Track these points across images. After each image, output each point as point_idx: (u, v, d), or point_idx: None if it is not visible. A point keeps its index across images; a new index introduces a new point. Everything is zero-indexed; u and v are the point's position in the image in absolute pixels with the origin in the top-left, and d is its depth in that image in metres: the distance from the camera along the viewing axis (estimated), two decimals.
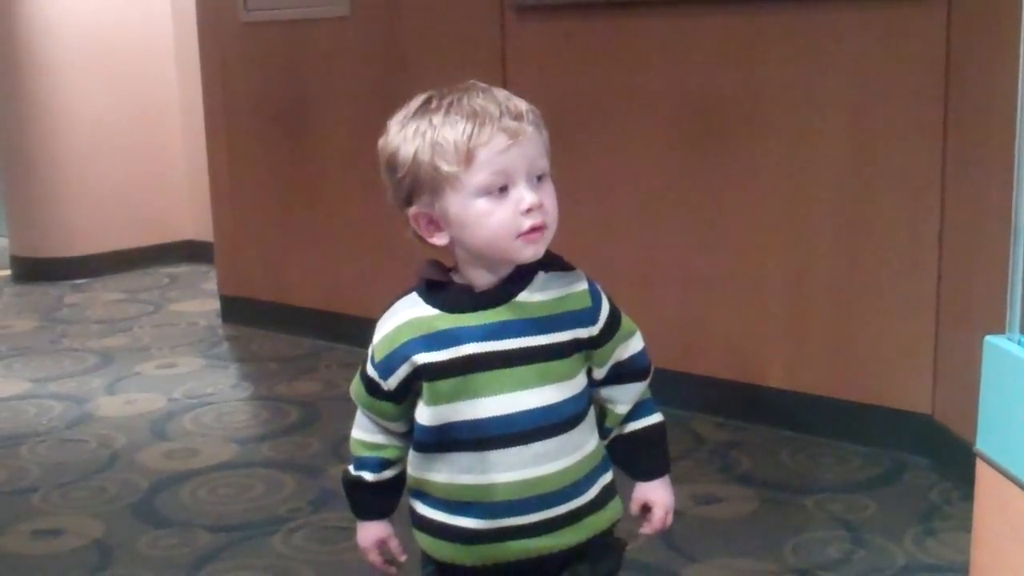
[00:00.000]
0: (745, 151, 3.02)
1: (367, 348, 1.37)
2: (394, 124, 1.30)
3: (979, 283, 2.53)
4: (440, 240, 1.31)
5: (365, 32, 3.77)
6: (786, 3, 2.91)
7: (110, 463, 2.96)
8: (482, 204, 1.25)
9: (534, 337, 1.30)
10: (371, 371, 1.35)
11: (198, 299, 4.90)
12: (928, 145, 2.71)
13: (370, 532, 1.45)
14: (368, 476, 1.40)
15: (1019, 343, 1.38)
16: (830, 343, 2.96)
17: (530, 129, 1.26)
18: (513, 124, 1.25)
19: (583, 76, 3.27)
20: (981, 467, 1.43)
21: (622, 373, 1.40)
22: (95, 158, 5.36)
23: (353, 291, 3.92)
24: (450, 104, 1.26)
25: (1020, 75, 1.40)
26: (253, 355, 4.03)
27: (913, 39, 2.71)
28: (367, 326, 1.40)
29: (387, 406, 1.36)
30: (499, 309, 1.30)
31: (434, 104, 1.27)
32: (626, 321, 1.40)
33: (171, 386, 3.62)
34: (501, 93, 1.28)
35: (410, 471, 1.39)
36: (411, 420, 1.36)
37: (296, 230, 4.12)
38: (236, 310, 4.38)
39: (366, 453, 1.41)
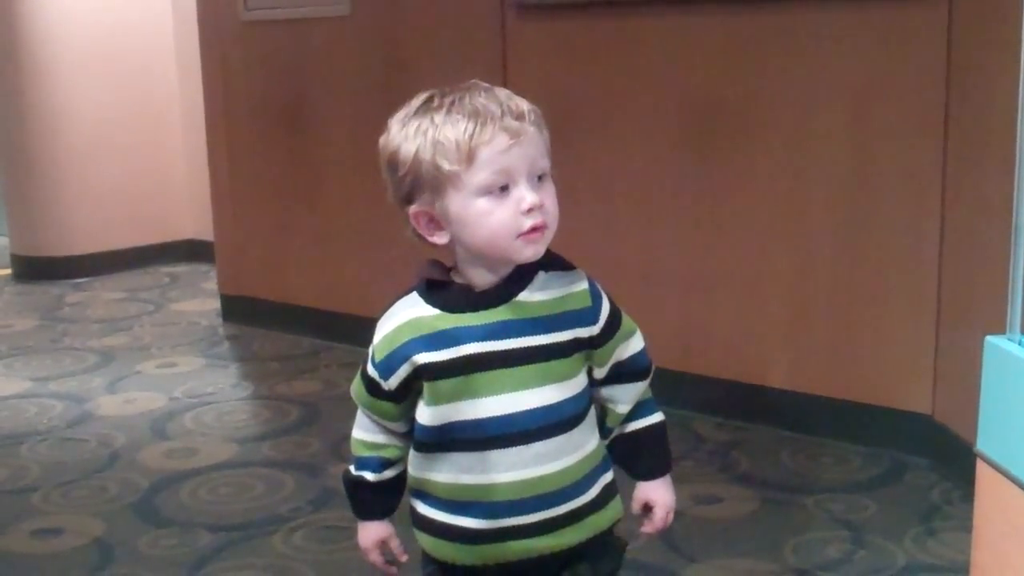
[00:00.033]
0: (745, 151, 3.02)
1: (367, 347, 1.37)
2: (395, 122, 1.30)
3: (980, 283, 2.53)
4: (440, 239, 1.31)
5: (365, 31, 3.77)
6: (786, 3, 2.91)
7: (110, 462, 2.96)
8: (483, 203, 1.25)
9: (534, 337, 1.30)
10: (371, 371, 1.35)
11: (198, 298, 4.90)
12: (929, 145, 2.71)
13: (371, 532, 1.44)
14: (369, 476, 1.40)
15: (1020, 343, 1.38)
16: (830, 343, 2.96)
17: (531, 129, 1.26)
18: (515, 124, 1.25)
19: (583, 76, 3.27)
20: (981, 467, 1.43)
21: (622, 373, 1.40)
22: (96, 157, 5.36)
23: (353, 290, 3.92)
24: (452, 103, 1.26)
25: (1021, 75, 1.40)
26: (253, 354, 4.03)
27: (914, 39, 2.71)
28: (367, 325, 1.40)
29: (388, 406, 1.36)
30: (499, 309, 1.30)
31: (436, 103, 1.27)
32: (626, 320, 1.40)
33: (171, 385, 3.62)
34: (503, 92, 1.28)
35: (411, 471, 1.38)
36: (412, 420, 1.36)
37: (297, 229, 4.12)
38: (236, 309, 4.38)
39: (367, 453, 1.41)
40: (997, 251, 1.95)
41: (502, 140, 1.24)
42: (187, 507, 2.65)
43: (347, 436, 1.43)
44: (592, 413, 1.39)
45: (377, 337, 1.34)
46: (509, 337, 1.29)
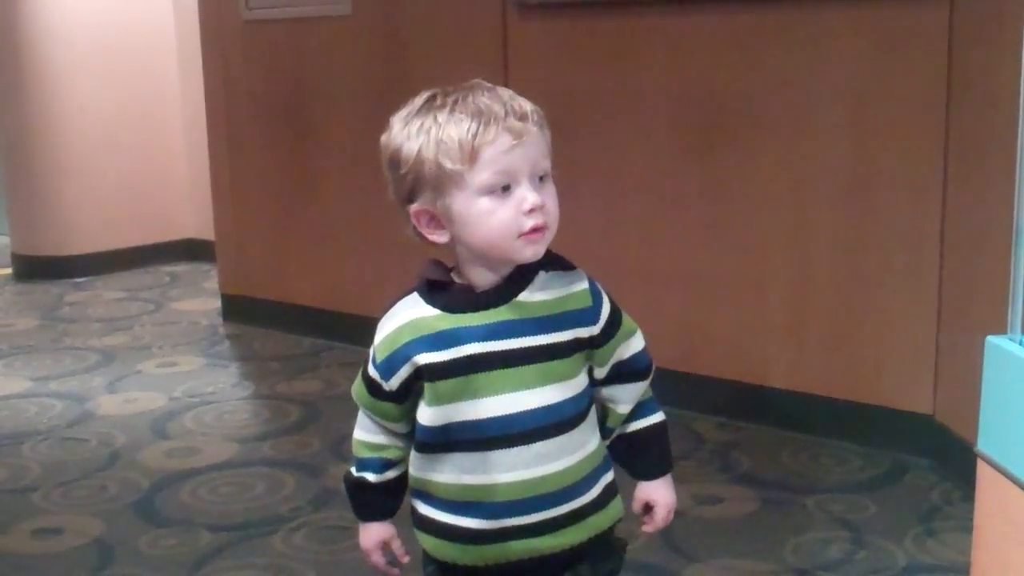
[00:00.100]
0: (746, 151, 3.02)
1: (368, 347, 1.37)
2: (397, 121, 1.29)
3: (980, 283, 2.53)
4: (440, 238, 1.31)
5: (367, 30, 3.77)
6: (786, 3, 2.91)
7: (111, 462, 2.96)
8: (484, 203, 1.25)
9: (535, 337, 1.30)
10: (372, 372, 1.35)
11: (199, 298, 4.90)
12: (929, 145, 2.71)
13: (373, 533, 1.44)
14: (371, 477, 1.40)
15: (1020, 343, 1.38)
16: (831, 343, 2.96)
17: (534, 129, 1.26)
18: (518, 124, 1.25)
19: (585, 75, 3.27)
20: (982, 467, 1.43)
21: (623, 372, 1.40)
22: (97, 156, 5.36)
23: (354, 290, 3.92)
24: (455, 102, 1.26)
25: (1022, 75, 1.40)
26: (254, 354, 4.03)
27: (914, 39, 2.71)
28: (368, 325, 1.40)
29: (389, 407, 1.36)
30: (500, 309, 1.30)
31: (439, 102, 1.27)
32: (627, 320, 1.40)
33: (172, 385, 3.62)
34: (506, 93, 1.28)
35: (412, 472, 1.38)
36: (413, 421, 1.36)
37: (297, 229, 4.12)
38: (237, 309, 4.38)
39: (368, 454, 1.40)
40: (997, 251, 1.95)
41: (505, 140, 1.24)
42: (187, 507, 2.65)
43: (347, 436, 1.43)
44: (593, 413, 1.39)
45: (378, 338, 1.34)
46: (510, 337, 1.29)
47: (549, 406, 1.31)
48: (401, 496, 1.43)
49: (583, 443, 1.35)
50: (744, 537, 2.42)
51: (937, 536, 2.40)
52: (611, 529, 1.40)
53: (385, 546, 1.44)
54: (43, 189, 5.34)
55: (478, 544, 1.33)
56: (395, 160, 1.29)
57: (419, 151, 1.26)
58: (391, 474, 1.40)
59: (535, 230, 1.26)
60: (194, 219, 5.56)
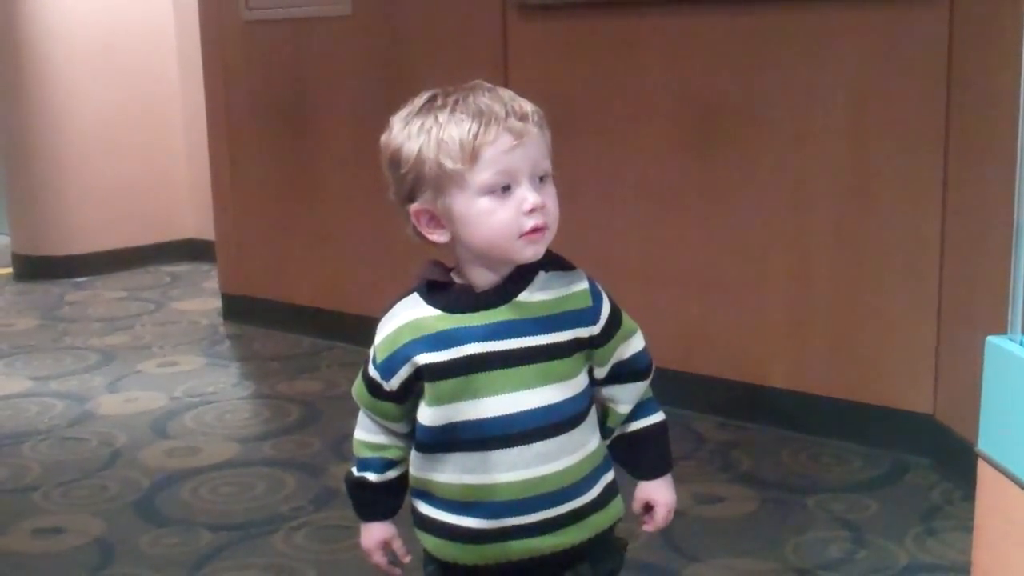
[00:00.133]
0: (746, 151, 3.02)
1: (368, 347, 1.37)
2: (398, 120, 1.30)
3: (981, 283, 2.53)
4: (440, 237, 1.31)
5: (367, 31, 3.77)
6: (786, 3, 2.91)
7: (111, 461, 2.96)
8: (485, 203, 1.25)
9: (535, 337, 1.30)
10: (373, 372, 1.35)
11: (199, 297, 4.90)
12: (929, 145, 2.71)
13: (374, 533, 1.45)
14: (372, 477, 1.41)
15: (1021, 343, 1.38)
16: (831, 343, 2.96)
17: (535, 130, 1.27)
18: (518, 125, 1.25)
19: (584, 76, 3.27)
20: (982, 467, 1.43)
21: (623, 372, 1.40)
22: (97, 156, 5.36)
23: (354, 290, 3.92)
24: (456, 102, 1.26)
25: (1022, 75, 1.40)
26: (254, 354, 4.03)
27: (914, 39, 2.71)
28: (368, 325, 1.40)
29: (389, 407, 1.36)
30: (500, 309, 1.30)
31: (439, 102, 1.27)
32: (627, 320, 1.40)
33: (172, 384, 3.62)
34: (506, 93, 1.29)
35: (412, 471, 1.39)
36: (413, 421, 1.36)
37: (298, 229, 4.12)
38: (237, 308, 4.38)
39: (369, 454, 1.41)
40: (998, 251, 1.95)
41: (506, 140, 1.24)
42: (188, 506, 2.65)
43: (348, 436, 1.43)
44: (593, 413, 1.39)
45: (378, 338, 1.35)
46: (510, 337, 1.29)
47: (549, 406, 1.31)
48: (402, 496, 1.43)
49: (583, 443, 1.35)
50: (744, 537, 2.42)
51: (937, 536, 2.40)
52: (611, 529, 1.40)
53: (386, 546, 1.45)
54: (43, 189, 5.34)
55: (479, 544, 1.33)
56: (395, 160, 1.29)
57: (420, 151, 1.26)
58: (392, 474, 1.41)
59: (535, 230, 1.26)
60: (194, 219, 5.56)
